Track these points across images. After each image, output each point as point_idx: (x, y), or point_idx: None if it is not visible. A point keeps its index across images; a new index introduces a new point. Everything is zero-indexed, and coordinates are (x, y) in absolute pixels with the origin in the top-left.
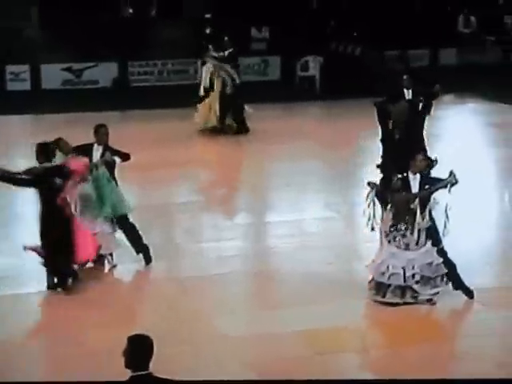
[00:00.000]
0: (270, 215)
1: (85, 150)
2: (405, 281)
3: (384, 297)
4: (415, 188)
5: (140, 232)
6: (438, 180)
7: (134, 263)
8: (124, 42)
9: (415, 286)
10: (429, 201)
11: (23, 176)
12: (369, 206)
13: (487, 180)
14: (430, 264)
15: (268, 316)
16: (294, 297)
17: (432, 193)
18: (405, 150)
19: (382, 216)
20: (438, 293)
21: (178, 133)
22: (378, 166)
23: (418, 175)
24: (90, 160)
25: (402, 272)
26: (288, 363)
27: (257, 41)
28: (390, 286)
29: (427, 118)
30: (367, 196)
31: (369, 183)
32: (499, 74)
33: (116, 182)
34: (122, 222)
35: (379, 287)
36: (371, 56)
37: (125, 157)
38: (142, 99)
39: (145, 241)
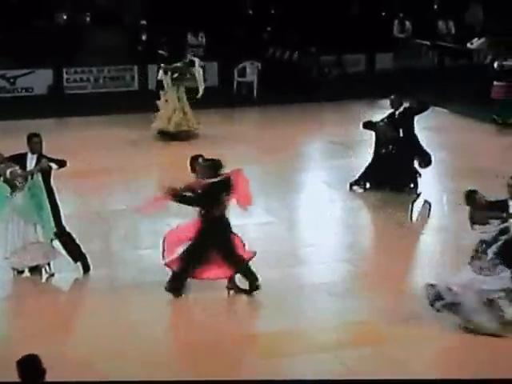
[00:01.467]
0: None
1: (18, 160)
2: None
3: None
4: None
5: (77, 240)
6: None
7: (71, 272)
8: (59, 49)
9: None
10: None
11: (193, 194)
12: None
13: (424, 184)
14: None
15: (209, 324)
16: (235, 304)
17: None
18: (390, 163)
19: None
20: None
21: (115, 140)
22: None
23: None
24: (24, 170)
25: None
26: (233, 369)
27: (193, 47)
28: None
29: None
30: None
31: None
32: (435, 78)
33: (52, 191)
34: (58, 230)
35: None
36: (308, 61)
37: (60, 163)
38: (77, 106)
39: (83, 249)
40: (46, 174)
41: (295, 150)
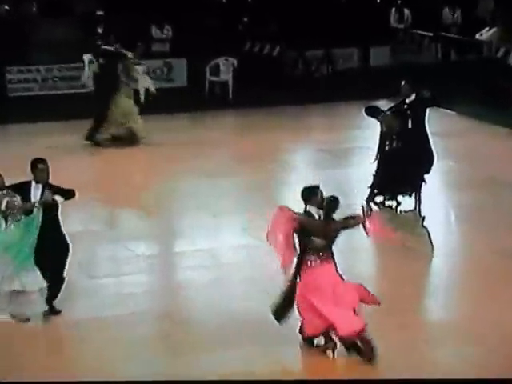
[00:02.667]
0: (178, 244)
1: (20, 189)
2: None
3: None
4: None
5: None
6: None
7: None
8: (0, 45)
9: None
10: None
11: None
12: None
13: (427, 197)
14: None
15: (178, 363)
16: (209, 340)
17: None
18: (399, 163)
19: None
20: None
21: (67, 149)
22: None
23: None
24: (28, 201)
25: None
26: None
27: (158, 41)
28: None
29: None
30: None
31: None
32: (439, 76)
33: (59, 229)
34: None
35: None
36: (291, 57)
37: (68, 194)
38: (22, 111)
39: None
40: (52, 209)
41: (278, 159)
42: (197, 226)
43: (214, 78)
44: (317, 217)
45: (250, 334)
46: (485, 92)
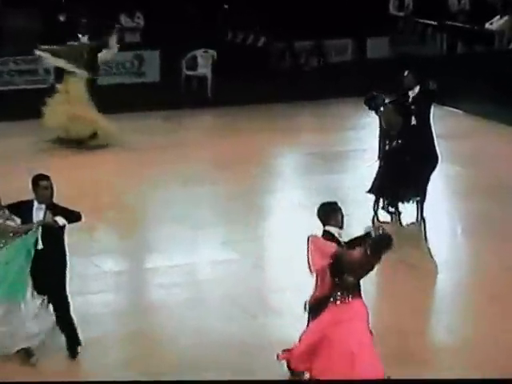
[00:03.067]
0: (151, 259)
1: (20, 209)
2: None
3: None
4: None
5: None
6: None
7: None
8: None
9: None
10: None
11: None
12: None
13: (430, 205)
14: None
15: None
16: (185, 364)
17: None
18: (399, 164)
19: None
20: None
21: (25, 152)
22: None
23: None
24: (28, 222)
25: None
26: None
27: (128, 30)
28: None
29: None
30: None
31: None
32: (444, 69)
33: (62, 256)
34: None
35: None
36: (278, 48)
37: (73, 216)
38: None
39: None
40: (55, 233)
41: (263, 164)
42: (172, 238)
43: (190, 73)
44: (337, 236)
45: (229, 359)
46: (495, 88)
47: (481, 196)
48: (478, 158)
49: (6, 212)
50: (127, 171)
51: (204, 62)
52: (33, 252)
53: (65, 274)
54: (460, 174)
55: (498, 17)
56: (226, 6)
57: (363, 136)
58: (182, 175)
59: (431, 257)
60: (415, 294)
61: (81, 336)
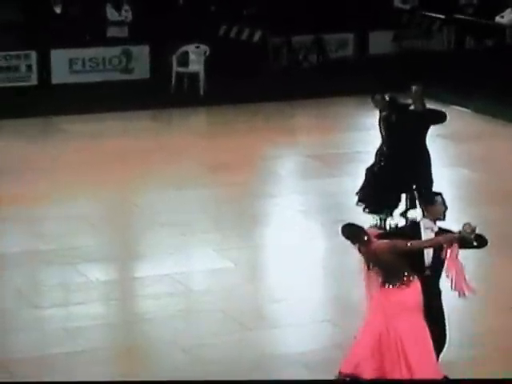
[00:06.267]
0: (139, 268)
1: None
2: None
3: None
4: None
5: None
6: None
7: None
8: None
9: None
10: None
11: None
12: None
13: None
14: None
15: None
16: (177, 379)
17: None
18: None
19: None
20: None
21: (3, 156)
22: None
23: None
24: None
25: None
26: None
27: (115, 24)
28: None
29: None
30: None
31: None
32: (451, 66)
33: None
34: None
35: None
36: (275, 43)
37: None
38: None
39: None
40: None
41: (258, 166)
42: (162, 246)
43: (182, 69)
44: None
45: (223, 374)
46: (505, 86)
47: (491, 201)
48: (487, 161)
49: None
50: (115, 174)
51: (196, 58)
52: None
53: None
54: (468, 179)
55: (509, 9)
56: None
57: (365, 137)
58: (172, 179)
59: None
60: None
61: (65, 350)
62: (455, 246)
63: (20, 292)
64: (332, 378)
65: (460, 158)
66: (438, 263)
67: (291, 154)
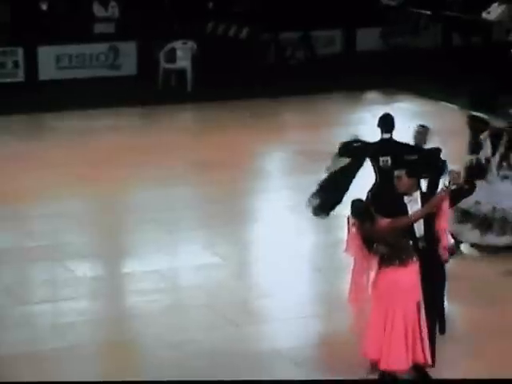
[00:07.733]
0: (127, 264)
1: None
2: None
3: None
4: None
5: None
6: None
7: None
8: None
9: None
10: None
11: None
12: None
13: None
14: None
15: None
16: (165, 375)
17: None
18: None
19: None
20: None
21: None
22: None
23: None
24: None
25: None
26: None
27: (102, 21)
28: None
29: None
30: None
31: None
32: (439, 62)
33: None
34: None
35: None
36: (262, 40)
37: None
38: None
39: None
40: None
41: (247, 163)
42: (150, 242)
43: (169, 66)
44: None
45: (211, 371)
46: (493, 82)
47: None
48: None
49: None
50: (103, 172)
51: (183, 54)
52: None
53: None
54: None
55: (495, 4)
56: None
57: (353, 133)
58: (160, 176)
59: None
60: None
61: (52, 346)
62: (446, 203)
63: (8, 289)
64: (320, 373)
65: (448, 155)
66: (430, 232)
67: (279, 150)
